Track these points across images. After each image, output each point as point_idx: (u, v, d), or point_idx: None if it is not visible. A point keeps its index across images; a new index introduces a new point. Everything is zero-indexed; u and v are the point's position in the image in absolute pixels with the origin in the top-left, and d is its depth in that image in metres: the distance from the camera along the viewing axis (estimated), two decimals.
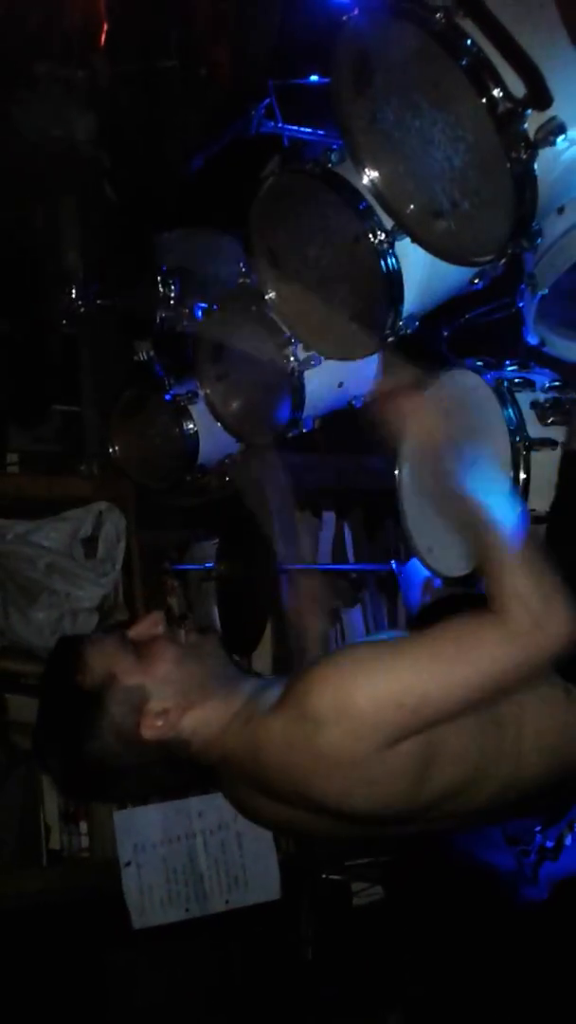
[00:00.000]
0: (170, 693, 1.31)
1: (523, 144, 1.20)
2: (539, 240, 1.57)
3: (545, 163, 1.26)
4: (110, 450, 2.60)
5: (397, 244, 1.60)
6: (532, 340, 1.92)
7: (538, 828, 2.24)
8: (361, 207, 1.61)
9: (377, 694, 1.18)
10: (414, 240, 1.57)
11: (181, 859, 2.39)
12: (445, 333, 2.61)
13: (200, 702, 1.33)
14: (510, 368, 1.91)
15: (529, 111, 1.20)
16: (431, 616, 2.43)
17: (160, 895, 2.35)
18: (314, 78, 2.17)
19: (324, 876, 2.80)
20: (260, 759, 1.28)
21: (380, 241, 1.60)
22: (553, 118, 1.22)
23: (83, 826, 2.57)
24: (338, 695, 1.19)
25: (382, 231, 1.59)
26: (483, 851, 2.27)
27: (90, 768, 1.32)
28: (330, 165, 1.65)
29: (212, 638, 1.43)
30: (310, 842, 1.62)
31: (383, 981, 2.74)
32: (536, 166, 1.24)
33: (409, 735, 1.21)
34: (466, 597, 2.04)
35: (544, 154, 1.24)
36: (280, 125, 2.33)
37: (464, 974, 2.53)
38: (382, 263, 1.62)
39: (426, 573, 2.08)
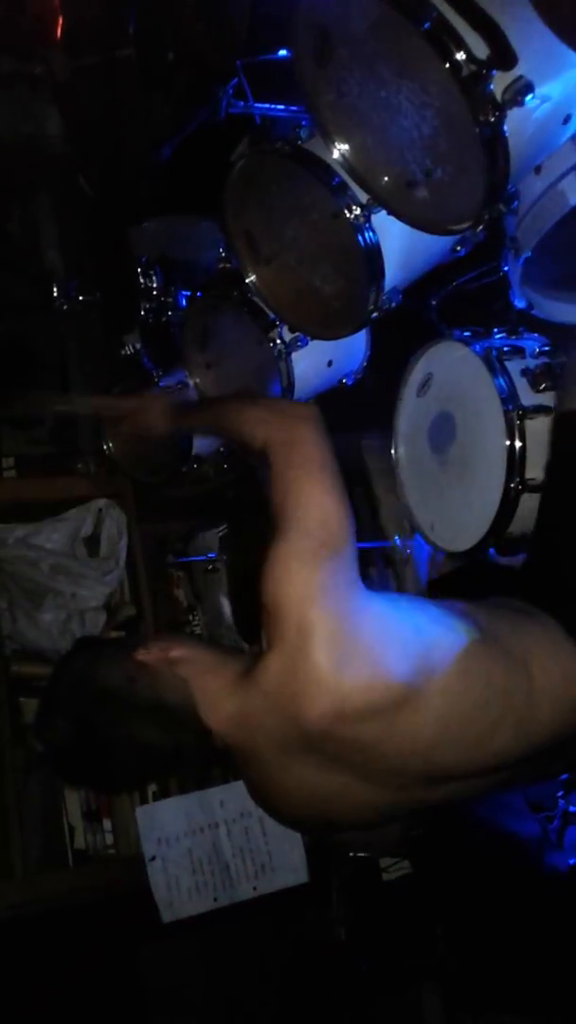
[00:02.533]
0: (169, 639, 1.38)
1: (491, 106, 1.18)
2: (516, 203, 1.55)
3: (516, 124, 1.23)
4: (104, 448, 2.58)
5: (373, 218, 1.58)
6: (519, 304, 1.89)
7: (560, 793, 2.24)
8: (334, 183, 1.58)
9: (297, 584, 1.23)
10: (390, 212, 1.54)
11: (206, 849, 2.39)
12: (433, 303, 2.59)
13: (196, 653, 1.36)
14: (498, 336, 1.89)
15: (494, 72, 1.17)
16: (439, 591, 2.43)
17: (187, 886, 2.35)
18: (283, 52, 2.13)
19: (352, 854, 2.81)
20: (305, 717, 1.25)
21: (356, 216, 1.58)
22: (520, 78, 1.19)
23: (107, 824, 2.58)
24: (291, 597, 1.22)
25: (357, 205, 1.57)
26: (507, 819, 2.27)
27: (87, 700, 1.33)
28: (299, 142, 1.62)
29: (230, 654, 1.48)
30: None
31: (418, 955, 2.75)
32: (506, 128, 1.21)
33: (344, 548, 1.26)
34: (472, 569, 2.03)
35: (514, 115, 1.21)
36: (251, 104, 2.29)
37: (496, 943, 2.53)
38: (359, 238, 1.59)
39: (429, 549, 2.08)
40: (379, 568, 2.93)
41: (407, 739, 1.28)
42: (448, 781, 1.37)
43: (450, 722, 1.28)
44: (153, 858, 2.36)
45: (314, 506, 1.29)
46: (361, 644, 1.24)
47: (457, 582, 2.37)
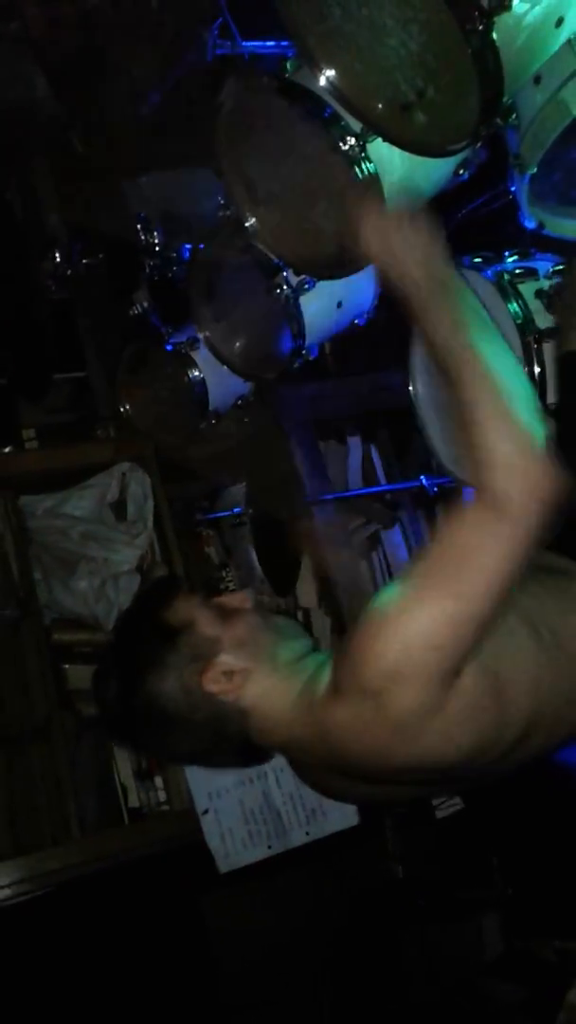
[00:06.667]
0: (242, 656, 1.30)
1: (477, 14, 1.12)
2: (514, 115, 1.49)
3: (505, 31, 1.17)
4: (121, 410, 2.57)
5: (369, 147, 1.52)
6: (530, 224, 1.82)
7: None
8: (326, 114, 1.52)
9: (410, 645, 1.14)
10: (386, 139, 1.48)
11: (256, 799, 2.42)
12: (444, 233, 2.52)
13: (268, 674, 1.30)
14: (510, 260, 1.83)
15: None
16: None
17: (241, 836, 2.39)
18: None
19: None
20: (335, 747, 1.24)
21: (351, 147, 1.52)
22: None
23: (158, 781, 2.62)
24: (381, 663, 1.15)
25: (351, 136, 1.51)
26: None
27: (141, 703, 1.30)
28: (286, 75, 1.56)
29: (294, 623, 1.44)
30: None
31: (474, 887, 2.78)
32: (495, 35, 1.15)
33: (459, 662, 1.18)
34: None
35: (502, 21, 1.15)
36: (238, 43, 2.22)
37: (552, 870, 2.55)
38: (357, 170, 1.54)
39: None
40: (409, 511, 2.91)
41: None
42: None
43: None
44: (206, 811, 2.40)
45: (462, 604, 1.15)
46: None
47: None
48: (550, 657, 1.30)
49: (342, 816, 2.45)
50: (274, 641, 1.35)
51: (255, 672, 1.29)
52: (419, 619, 1.15)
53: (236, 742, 1.32)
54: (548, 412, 1.63)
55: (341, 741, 1.22)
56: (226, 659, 1.29)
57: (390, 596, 1.19)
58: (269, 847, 2.41)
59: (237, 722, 1.30)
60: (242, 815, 2.40)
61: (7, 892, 2.31)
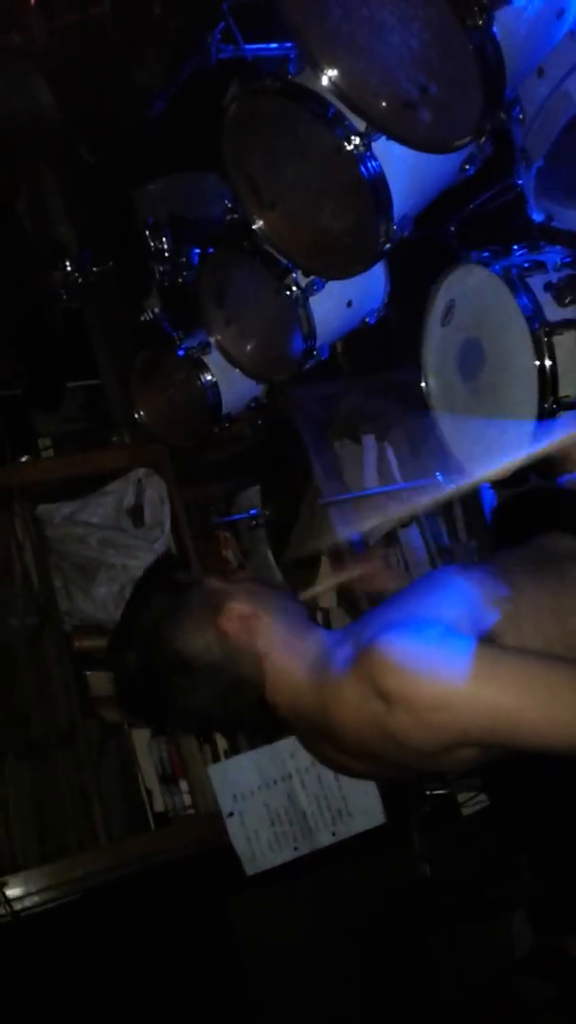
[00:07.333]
0: (252, 604, 1.34)
1: (477, 9, 1.11)
2: (518, 109, 1.48)
3: (506, 24, 1.17)
4: (135, 416, 2.57)
5: (374, 146, 1.52)
6: (538, 217, 1.81)
7: None
8: (330, 114, 1.52)
9: (454, 701, 1.14)
10: (390, 137, 1.48)
11: (281, 800, 2.42)
12: (452, 229, 2.51)
13: (278, 624, 1.33)
14: (519, 253, 1.82)
15: None
16: (503, 517, 2.40)
17: (267, 838, 2.39)
18: None
19: (428, 792, 2.82)
20: (332, 722, 1.26)
21: (356, 146, 1.51)
22: None
23: (183, 785, 2.63)
24: (416, 686, 1.15)
25: (356, 135, 1.51)
26: None
27: (158, 653, 1.31)
28: (289, 77, 1.56)
29: (293, 596, 1.45)
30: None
31: (503, 884, 2.77)
32: (496, 30, 1.14)
33: (475, 744, 1.20)
34: (536, 493, 1.98)
35: (503, 15, 1.14)
36: (241, 46, 2.23)
37: None
38: (362, 169, 1.53)
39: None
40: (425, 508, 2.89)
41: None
42: None
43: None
44: (231, 814, 2.40)
45: (524, 718, 1.14)
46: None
47: (521, 508, 2.35)
48: None
49: (368, 815, 2.44)
50: (278, 598, 1.39)
51: (268, 618, 1.33)
52: (484, 693, 1.15)
53: (252, 691, 1.33)
54: (564, 404, 1.62)
55: (340, 720, 1.24)
56: (238, 604, 1.33)
57: (469, 645, 1.17)
58: (295, 848, 2.40)
59: (252, 667, 1.32)
60: (267, 817, 2.40)
61: (35, 899, 2.32)
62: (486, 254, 1.80)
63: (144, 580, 1.44)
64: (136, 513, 2.82)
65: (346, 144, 1.52)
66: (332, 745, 1.33)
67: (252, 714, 1.39)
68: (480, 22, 1.12)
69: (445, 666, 1.16)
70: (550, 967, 2.52)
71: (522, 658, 1.20)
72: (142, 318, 2.48)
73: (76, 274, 2.52)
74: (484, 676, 1.15)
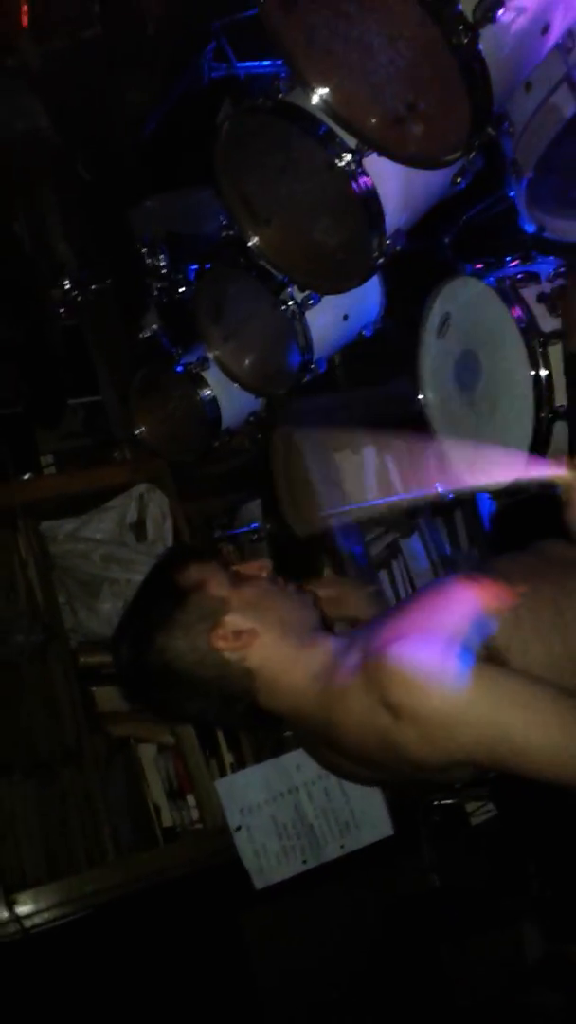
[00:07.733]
0: (249, 617, 1.32)
1: (462, 27, 1.13)
2: (506, 123, 1.50)
3: (492, 41, 1.18)
4: (136, 432, 2.59)
5: (365, 162, 1.53)
6: (530, 228, 1.83)
7: None
8: (321, 132, 1.54)
9: (465, 721, 1.16)
10: (381, 153, 1.49)
11: (289, 814, 2.42)
12: (446, 240, 2.53)
13: (275, 639, 1.32)
14: (512, 265, 1.83)
15: None
16: (501, 525, 2.39)
17: (275, 852, 2.39)
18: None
19: (437, 803, 2.82)
20: (336, 729, 1.27)
21: (347, 163, 1.53)
22: None
23: (190, 799, 2.63)
24: (428, 703, 1.16)
25: (347, 152, 1.52)
26: None
27: (152, 661, 1.32)
28: (280, 95, 1.58)
29: (308, 595, 1.42)
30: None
31: (513, 894, 2.76)
32: (482, 47, 1.16)
33: (477, 765, 1.21)
34: (533, 502, 1.99)
35: (488, 32, 1.16)
36: (233, 65, 2.25)
37: None
38: (354, 185, 1.55)
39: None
40: (426, 517, 2.90)
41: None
42: None
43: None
44: (238, 828, 2.40)
45: (530, 746, 1.16)
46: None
47: (520, 515, 2.35)
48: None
49: (376, 827, 2.44)
50: (285, 608, 1.37)
51: (262, 634, 1.32)
52: (496, 716, 1.16)
53: (243, 703, 1.34)
54: (560, 414, 1.63)
55: (343, 727, 1.25)
56: (234, 619, 1.32)
57: (482, 667, 1.18)
58: (304, 862, 2.40)
59: (242, 682, 1.32)
60: (275, 830, 2.40)
61: (45, 916, 2.32)
62: (480, 266, 1.81)
63: (152, 576, 1.42)
64: (139, 528, 2.83)
65: (338, 161, 1.53)
66: (334, 751, 1.33)
67: (245, 722, 1.41)
68: (465, 40, 1.14)
69: (457, 685, 1.17)
70: (561, 975, 2.51)
71: (539, 688, 1.20)
72: (141, 335, 2.50)
73: (75, 292, 2.54)
74: (501, 701, 1.17)
